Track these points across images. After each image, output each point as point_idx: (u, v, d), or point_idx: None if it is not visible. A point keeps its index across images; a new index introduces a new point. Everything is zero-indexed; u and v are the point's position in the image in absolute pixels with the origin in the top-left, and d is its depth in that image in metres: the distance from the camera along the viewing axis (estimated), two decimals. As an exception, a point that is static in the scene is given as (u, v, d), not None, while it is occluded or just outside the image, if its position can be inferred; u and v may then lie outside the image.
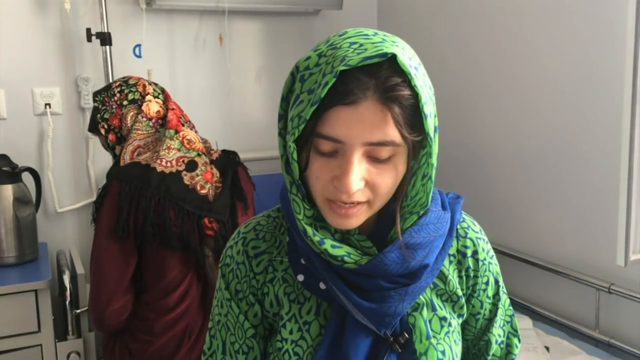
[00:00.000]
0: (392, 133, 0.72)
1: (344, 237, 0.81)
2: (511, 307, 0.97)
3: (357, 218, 0.77)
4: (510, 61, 2.21)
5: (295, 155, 0.75)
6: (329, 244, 0.78)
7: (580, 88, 1.94)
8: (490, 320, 0.94)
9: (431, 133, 0.75)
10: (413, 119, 0.73)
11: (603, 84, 1.86)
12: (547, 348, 1.84)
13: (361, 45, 0.72)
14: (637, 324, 1.82)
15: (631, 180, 1.57)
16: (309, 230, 0.78)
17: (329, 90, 0.70)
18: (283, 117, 0.79)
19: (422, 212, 0.81)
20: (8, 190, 2.12)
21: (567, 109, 2.00)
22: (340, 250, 0.78)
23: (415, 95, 0.72)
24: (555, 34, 2.02)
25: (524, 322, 2.00)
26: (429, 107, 0.74)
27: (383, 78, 0.70)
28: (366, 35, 0.75)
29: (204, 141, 1.76)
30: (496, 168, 2.32)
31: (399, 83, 0.71)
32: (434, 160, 0.77)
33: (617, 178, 1.61)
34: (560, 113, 2.02)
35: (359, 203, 0.76)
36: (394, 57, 0.71)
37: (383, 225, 0.83)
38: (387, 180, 0.75)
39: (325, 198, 0.77)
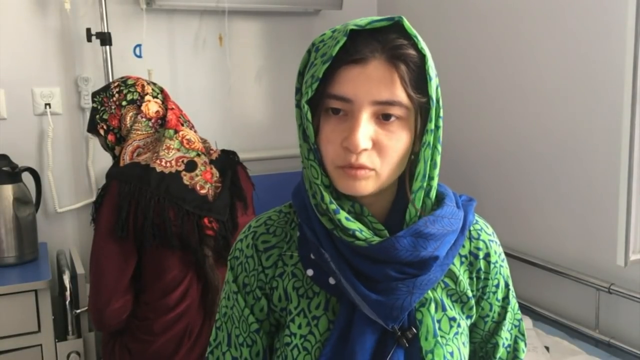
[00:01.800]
0: (399, 93, 0.76)
1: (357, 217, 0.82)
2: (520, 312, 0.98)
3: (366, 182, 0.78)
4: (509, 61, 2.21)
5: (309, 116, 0.79)
6: (343, 215, 0.80)
7: (580, 88, 1.94)
8: (499, 323, 0.95)
9: (433, 96, 0.78)
10: (418, 81, 0.78)
11: (603, 84, 1.86)
12: (547, 348, 1.84)
13: (371, 18, 0.81)
14: (637, 324, 1.82)
15: (631, 180, 1.57)
16: (327, 196, 0.80)
17: (340, 50, 0.76)
18: (299, 90, 0.82)
19: (425, 185, 0.82)
20: (8, 190, 2.12)
21: (567, 109, 1.99)
22: (353, 225, 0.80)
23: (421, 58, 0.78)
24: (554, 34, 2.02)
25: (524, 322, 2.00)
26: (434, 72, 0.79)
27: (391, 39, 0.77)
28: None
29: (204, 141, 1.75)
30: (496, 168, 2.31)
31: (405, 44, 0.77)
32: (433, 125, 0.79)
33: (617, 178, 1.61)
34: (561, 113, 2.02)
35: (366, 168, 0.77)
36: (400, 23, 0.78)
37: (397, 212, 0.83)
38: (395, 143, 0.78)
39: (336, 166, 0.79)
